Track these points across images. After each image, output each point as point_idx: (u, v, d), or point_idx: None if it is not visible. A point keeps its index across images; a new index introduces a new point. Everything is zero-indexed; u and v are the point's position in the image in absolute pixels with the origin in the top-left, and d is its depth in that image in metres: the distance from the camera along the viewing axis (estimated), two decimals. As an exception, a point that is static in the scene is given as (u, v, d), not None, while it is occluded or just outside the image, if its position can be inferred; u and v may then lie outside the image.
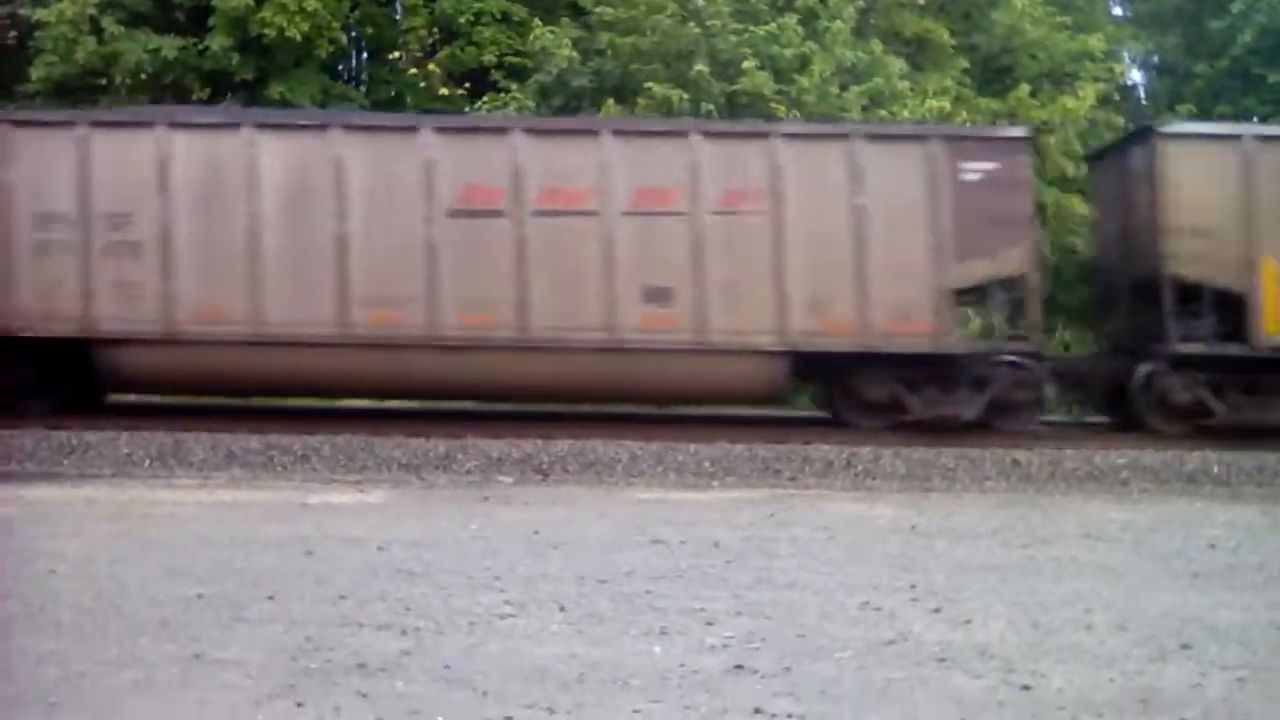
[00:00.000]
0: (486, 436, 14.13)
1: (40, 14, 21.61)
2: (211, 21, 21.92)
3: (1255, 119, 24.65)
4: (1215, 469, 13.62)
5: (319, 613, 6.83)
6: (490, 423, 14.96)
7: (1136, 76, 30.58)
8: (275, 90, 21.75)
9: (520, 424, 15.05)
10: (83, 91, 21.77)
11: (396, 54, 24.25)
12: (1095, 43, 24.52)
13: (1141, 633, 6.58)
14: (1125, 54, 28.87)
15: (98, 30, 21.46)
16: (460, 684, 5.54)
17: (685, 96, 19.98)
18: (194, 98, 21.49)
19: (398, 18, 24.79)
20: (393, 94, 23.53)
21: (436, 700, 5.32)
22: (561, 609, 7.00)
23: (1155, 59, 30.03)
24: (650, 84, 20.18)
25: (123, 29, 21.60)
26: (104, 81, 22.29)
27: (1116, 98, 26.04)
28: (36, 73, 21.64)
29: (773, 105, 19.85)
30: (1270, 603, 7.39)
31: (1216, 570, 8.55)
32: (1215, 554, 9.26)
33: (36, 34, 21.79)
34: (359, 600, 7.13)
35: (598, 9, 21.87)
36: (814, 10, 22.12)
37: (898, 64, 21.72)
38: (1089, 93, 22.97)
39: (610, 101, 20.63)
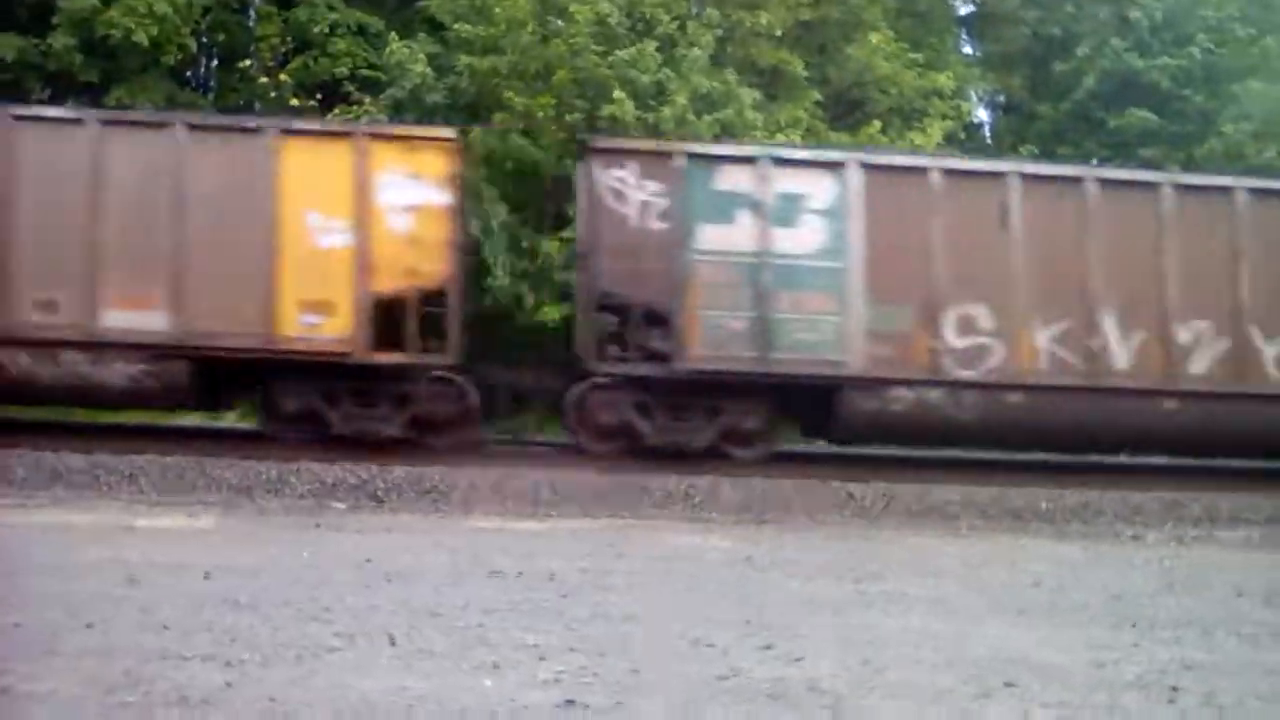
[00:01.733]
0: (321, 461, 13.92)
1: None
2: (55, 20, 21.31)
3: (1096, 161, 25.42)
4: (1043, 505, 13.95)
5: (140, 643, 6.62)
6: (325, 446, 14.73)
7: (983, 115, 31.37)
8: (118, 95, 21.20)
9: (355, 449, 14.85)
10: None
11: (248, 62, 23.82)
12: (944, 81, 25.10)
13: (968, 669, 6.67)
14: (973, 93, 29.57)
15: (-70, 25, 20.77)
16: (284, 718, 5.42)
17: (550, 102, 20.00)
18: (34, 98, 20.82)
19: (251, 25, 24.36)
20: (241, 102, 23.10)
21: (259, 735, 5.21)
22: (392, 642, 6.88)
23: (1002, 98, 30.80)
24: (510, 93, 20.14)
25: (-43, 25, 20.94)
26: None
27: (963, 135, 26.63)
28: None
29: (634, 133, 19.92)
30: (1091, 641, 7.55)
31: (1040, 607, 8.73)
32: (1039, 591, 9.46)
33: None
34: (182, 631, 6.93)
35: (455, 25, 21.76)
36: (673, 37, 22.27)
37: (750, 94, 21.96)
38: (936, 130, 23.50)
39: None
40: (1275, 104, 25.89)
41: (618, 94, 20.29)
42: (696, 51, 21.74)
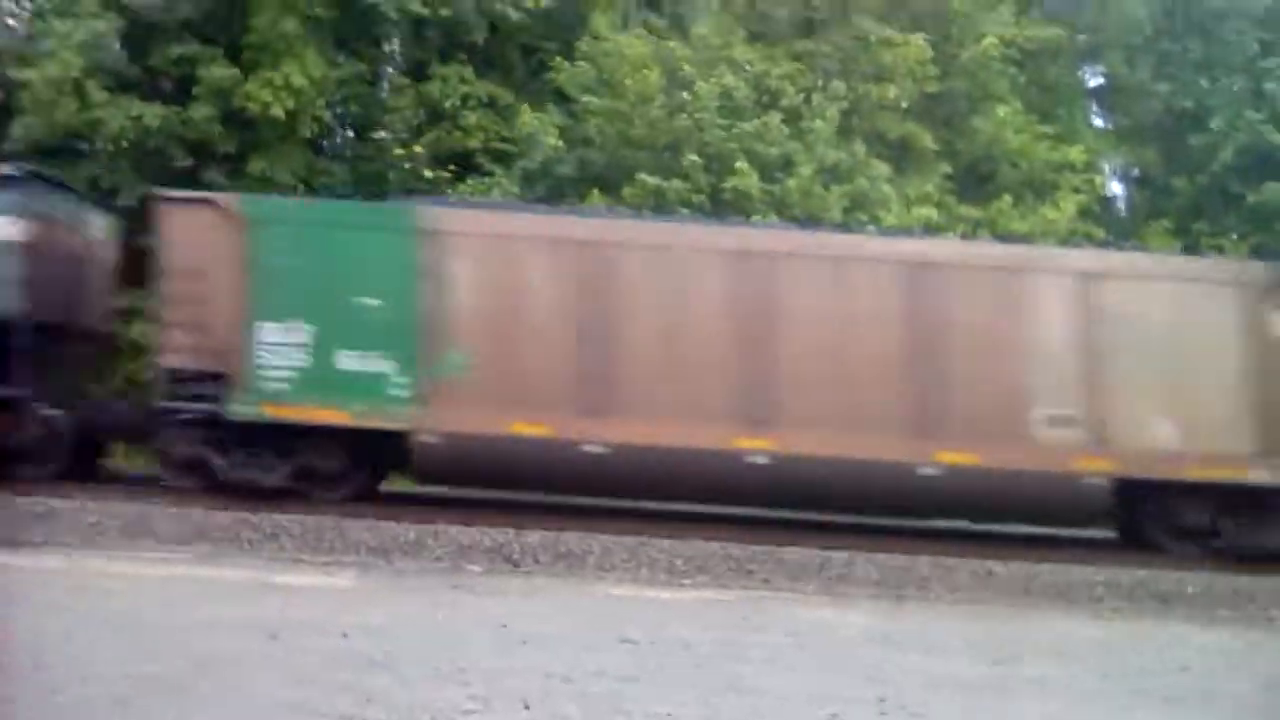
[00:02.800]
0: (457, 523, 14.04)
1: (25, 73, 21.54)
2: (196, 92, 21.91)
3: (1235, 237, 24.92)
4: (1189, 589, 13.53)
5: (279, 698, 6.69)
6: (462, 509, 14.81)
7: (1116, 189, 30.89)
8: (257, 165, 21.72)
9: (492, 512, 14.90)
10: (63, 153, 21.65)
11: (382, 133, 24.26)
12: (1076, 154, 24.78)
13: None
14: (1105, 165, 29.17)
15: (81, 93, 21.39)
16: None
17: (683, 185, 20.10)
18: (175, 165, 21.39)
19: (384, 97, 24.82)
20: (377, 173, 23.52)
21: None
22: (526, 707, 6.88)
23: (1135, 172, 30.33)
24: (641, 174, 20.28)
25: (106, 94, 21.54)
26: (85, 145, 22.22)
27: (1096, 209, 26.24)
28: (15, 132, 21.52)
29: (759, 204, 19.95)
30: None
31: (1189, 695, 8.47)
32: (1187, 677, 9.17)
33: (19, 93, 21.69)
34: (320, 688, 6.99)
35: (585, 97, 22.01)
36: (798, 110, 22.30)
37: (882, 167, 21.89)
38: (1069, 203, 23.16)
39: (595, 190, 20.71)
40: None
41: (740, 165, 20.33)
42: (820, 123, 21.73)
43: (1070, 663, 9.57)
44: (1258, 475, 14.91)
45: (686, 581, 12.91)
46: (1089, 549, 15.28)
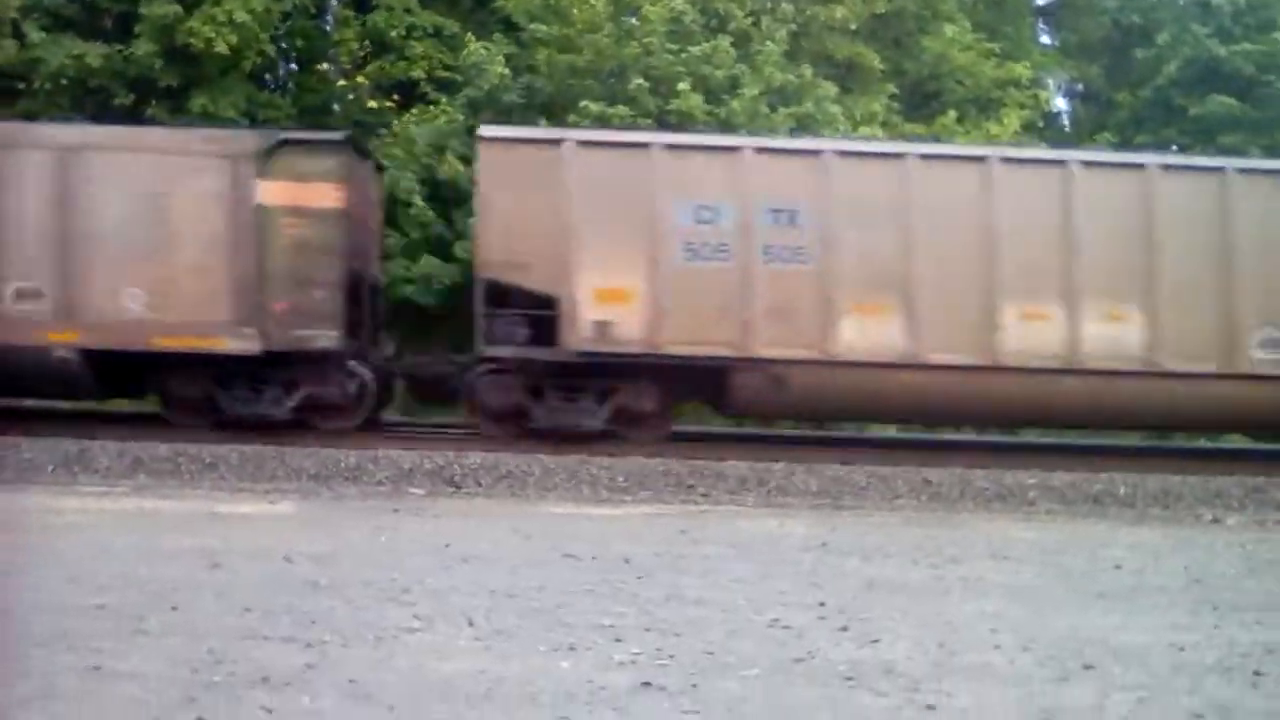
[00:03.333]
0: (398, 447, 14.16)
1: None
2: (137, 29, 21.69)
3: (1175, 149, 25.07)
4: (1121, 490, 13.83)
5: (223, 625, 6.75)
6: (403, 434, 14.89)
7: (1061, 104, 31.02)
8: (199, 100, 21.55)
9: (432, 437, 14.99)
10: (2, 94, 21.44)
11: (325, 66, 24.10)
12: (1021, 70, 24.92)
13: (1046, 653, 6.63)
14: (1050, 81, 29.26)
15: (19, 34, 21.13)
16: (365, 699, 5.49)
17: (626, 112, 20.05)
18: (116, 103, 21.20)
19: (328, 29, 24.64)
20: (320, 104, 23.38)
21: (341, 715, 5.28)
22: (470, 623, 6.96)
23: (1080, 87, 30.45)
24: (586, 101, 20.22)
25: (45, 34, 21.29)
26: (23, 85, 21.98)
27: (1041, 125, 26.37)
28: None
29: (703, 126, 19.95)
30: (1172, 624, 7.48)
31: (1120, 591, 8.66)
32: (1119, 575, 9.38)
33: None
34: (264, 613, 7.05)
35: (532, 25, 21.91)
36: (747, 33, 22.28)
37: (828, 87, 21.92)
38: (1013, 119, 23.31)
39: (542, 119, 20.67)
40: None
41: (682, 86, 20.31)
42: (770, 45, 21.72)
43: (1006, 564, 9.74)
44: (230, 345, 14.85)
45: (627, 499, 13.07)
46: (1022, 454, 15.50)
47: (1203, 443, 16.77)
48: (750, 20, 22.65)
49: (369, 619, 6.99)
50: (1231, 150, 23.22)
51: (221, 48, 21.18)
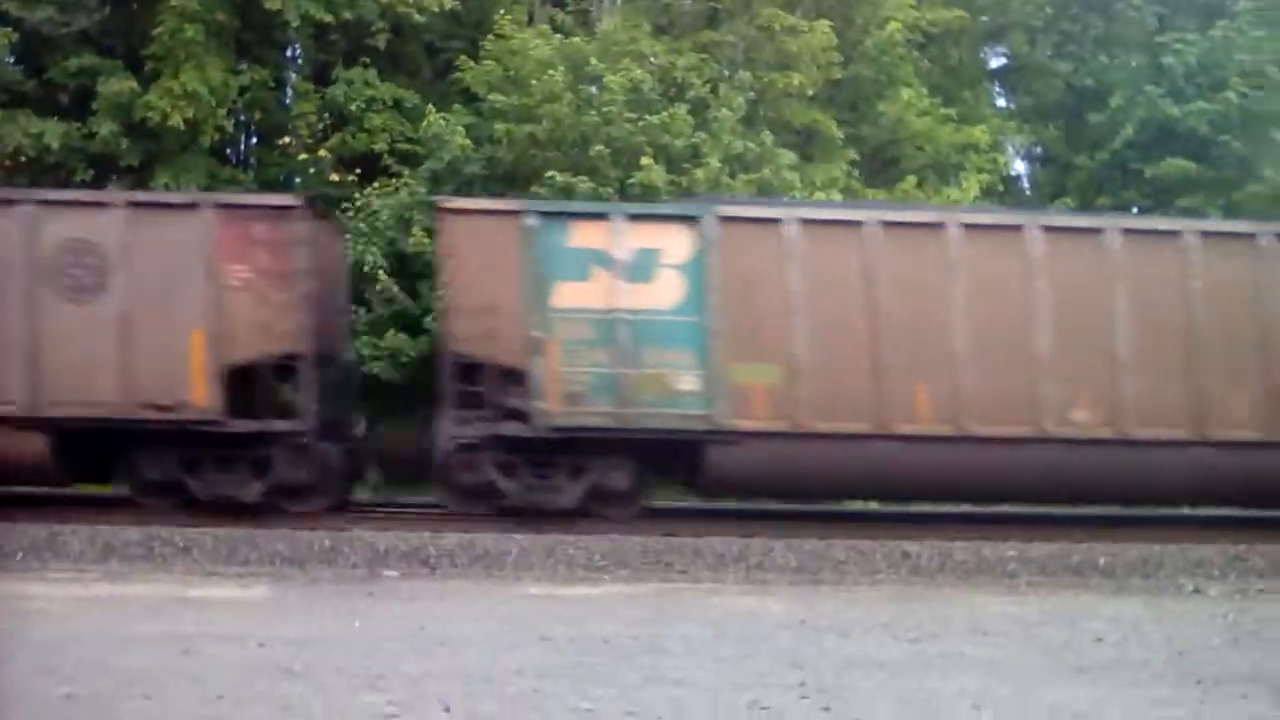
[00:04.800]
0: (372, 529, 13.98)
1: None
2: (95, 104, 21.62)
3: (1136, 210, 25.27)
4: (1101, 560, 13.74)
5: (195, 713, 6.67)
6: (377, 515, 14.76)
7: (1020, 167, 31.33)
8: (161, 177, 21.45)
9: (406, 517, 14.84)
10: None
11: (286, 139, 24.06)
12: (979, 134, 25.12)
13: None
14: (1009, 145, 29.55)
15: (-26, 110, 21.06)
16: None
17: (590, 183, 20.07)
18: (78, 180, 21.09)
19: (288, 102, 24.63)
20: (282, 178, 23.34)
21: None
22: (446, 709, 6.88)
23: (1038, 150, 30.75)
24: (551, 172, 20.24)
25: (2, 111, 21.19)
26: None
27: (1001, 189, 26.59)
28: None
29: (666, 197, 19.97)
30: (1155, 699, 7.44)
31: (1102, 665, 8.62)
32: (1101, 648, 9.34)
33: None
34: (236, 700, 6.96)
35: (491, 96, 21.95)
36: (705, 100, 22.39)
37: (787, 155, 22.02)
38: (973, 183, 23.49)
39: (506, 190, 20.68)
40: (1314, 147, 25.79)
41: (645, 160, 20.36)
42: (727, 113, 21.83)
43: (986, 638, 9.71)
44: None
45: (605, 577, 12.95)
46: (1001, 525, 15.42)
47: (1185, 510, 16.69)
48: (708, 88, 22.77)
49: (344, 705, 6.92)
50: (1189, 211, 23.44)
51: (177, 121, 21.10)
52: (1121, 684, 7.99)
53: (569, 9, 25.25)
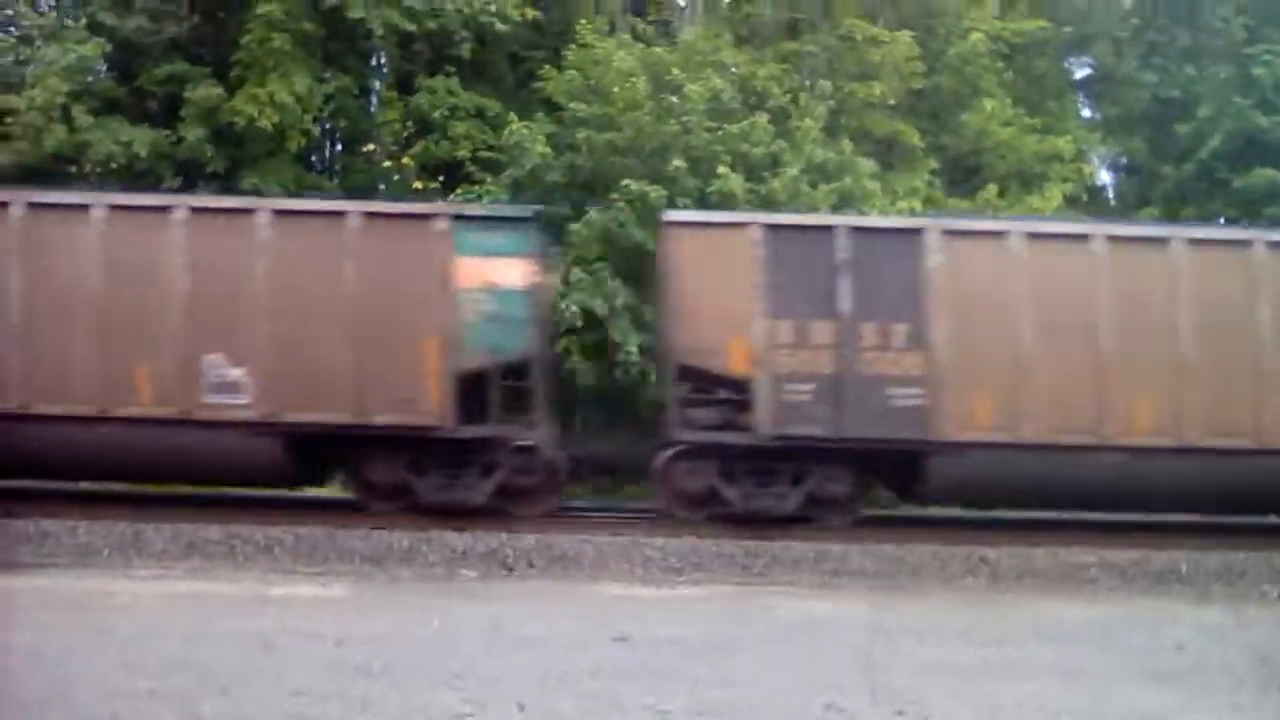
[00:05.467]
0: (451, 529, 14.07)
1: (10, 100, 21.60)
2: (183, 112, 22.00)
3: (1223, 221, 24.91)
4: (1183, 568, 13.57)
5: (274, 709, 6.72)
6: (455, 516, 14.86)
7: (1105, 178, 30.98)
8: (248, 180, 21.76)
9: (486, 517, 14.95)
10: (52, 177, 21.67)
11: (371, 146, 24.32)
12: (1064, 145, 24.87)
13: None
14: (1094, 156, 29.23)
15: (68, 118, 21.43)
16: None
17: (662, 192, 20.09)
18: (165, 186, 21.43)
19: (372, 110, 24.91)
20: (366, 184, 23.59)
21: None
22: (521, 708, 6.90)
23: (1123, 161, 30.41)
24: (627, 180, 20.29)
25: (93, 118, 21.59)
26: (74, 169, 22.20)
27: (1085, 199, 26.31)
28: (3, 158, 21.50)
29: (745, 205, 19.96)
30: (1237, 705, 7.33)
31: (1183, 672, 8.50)
32: (1182, 655, 9.20)
33: (7, 119, 21.72)
34: (315, 697, 7.02)
35: (572, 104, 22.06)
36: (785, 109, 22.37)
37: (867, 164, 21.93)
38: (1055, 193, 23.27)
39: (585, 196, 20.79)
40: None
41: (722, 169, 20.35)
42: (809, 122, 21.78)
43: (1064, 645, 9.60)
44: None
45: (681, 579, 12.95)
46: (1081, 530, 15.24)
47: (1272, 518, 16.39)
48: (788, 97, 22.74)
49: (420, 703, 6.96)
50: (1277, 221, 23.09)
51: (265, 125, 21.44)
52: (1203, 691, 7.87)
53: (650, 19, 25.32)
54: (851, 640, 9.57)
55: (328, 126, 25.00)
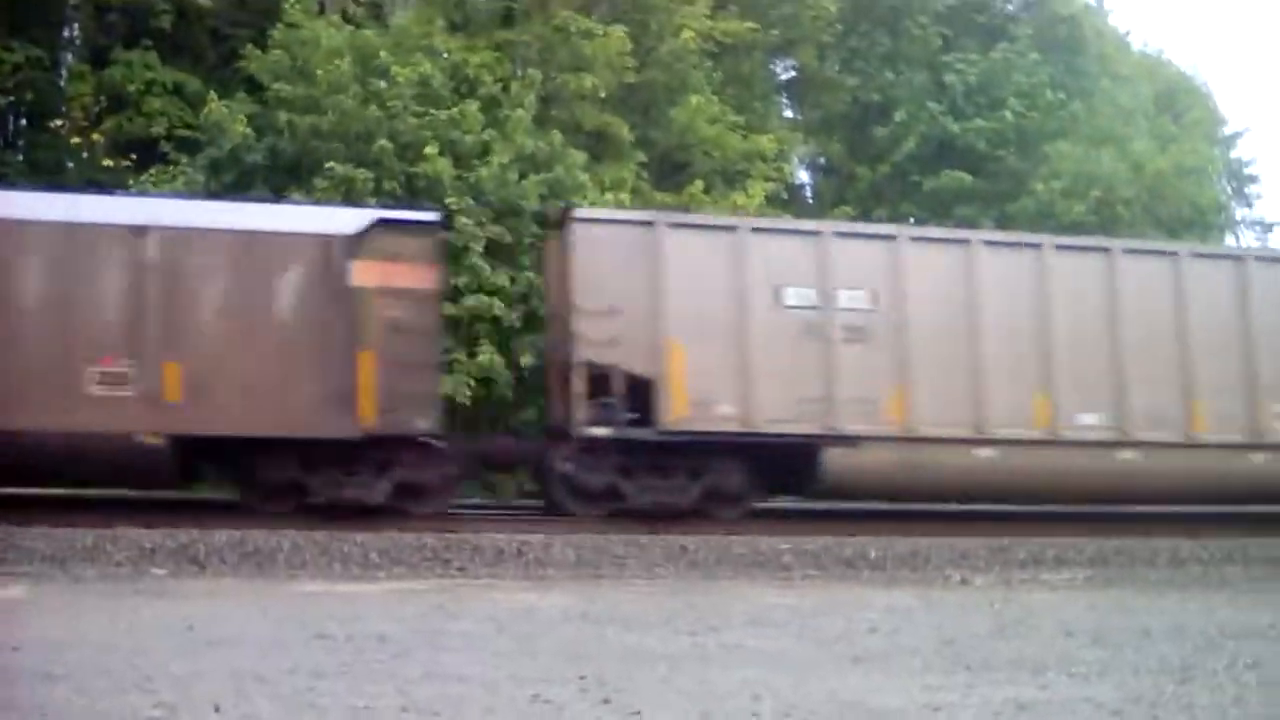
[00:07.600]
0: (138, 525, 13.42)
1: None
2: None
3: (911, 221, 26.04)
4: (872, 554, 14.11)
5: (-59, 723, 6.26)
6: (142, 511, 14.24)
7: (804, 177, 32.00)
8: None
9: (175, 512, 14.37)
10: None
11: (59, 121, 23.14)
12: (767, 144, 25.56)
13: (805, 718, 6.62)
14: (795, 156, 30.16)
15: None
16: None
17: (369, 176, 19.73)
18: None
19: (62, 84, 23.70)
20: (52, 162, 22.43)
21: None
22: (217, 709, 6.59)
23: (821, 161, 31.47)
24: (332, 163, 19.85)
25: None
26: None
27: (785, 196, 27.10)
28: None
29: (450, 191, 19.80)
30: (926, 685, 7.57)
31: (876, 654, 8.75)
32: (874, 638, 9.49)
33: None
34: (-12, 707, 6.56)
35: (275, 85, 21.44)
36: (496, 98, 22.26)
37: (579, 156, 22.04)
38: (758, 191, 23.90)
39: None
40: (1083, 164, 26.99)
41: (429, 150, 20.15)
42: (520, 112, 21.74)
43: (765, 630, 9.77)
44: None
45: (381, 574, 12.73)
46: (776, 520, 15.75)
47: (952, 505, 17.27)
48: (499, 86, 22.66)
49: (107, 709, 6.56)
50: (965, 221, 24.30)
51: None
52: (895, 671, 8.11)
53: (362, 1, 24.86)
54: (558, 631, 9.54)
55: (13, 100, 23.63)
